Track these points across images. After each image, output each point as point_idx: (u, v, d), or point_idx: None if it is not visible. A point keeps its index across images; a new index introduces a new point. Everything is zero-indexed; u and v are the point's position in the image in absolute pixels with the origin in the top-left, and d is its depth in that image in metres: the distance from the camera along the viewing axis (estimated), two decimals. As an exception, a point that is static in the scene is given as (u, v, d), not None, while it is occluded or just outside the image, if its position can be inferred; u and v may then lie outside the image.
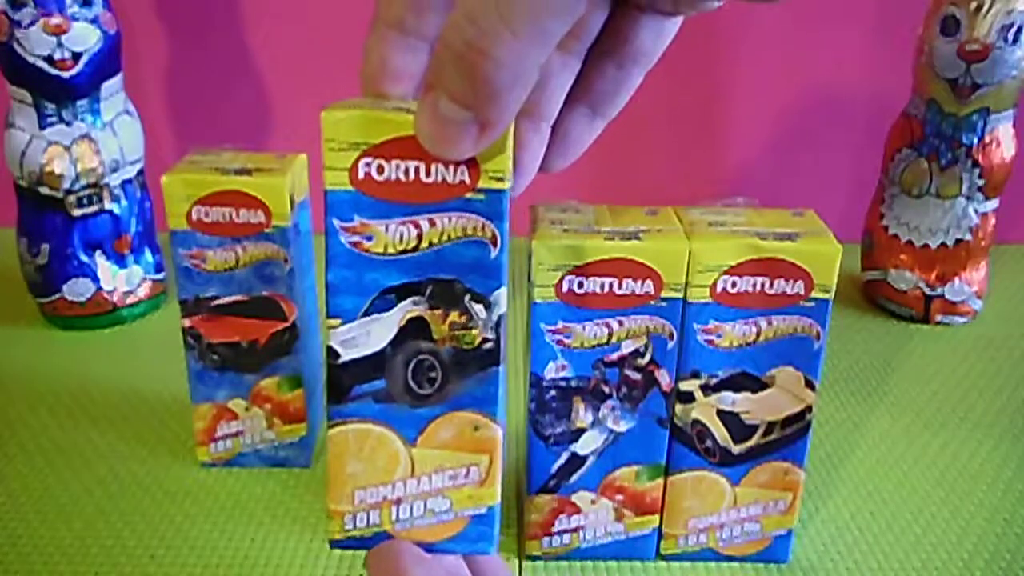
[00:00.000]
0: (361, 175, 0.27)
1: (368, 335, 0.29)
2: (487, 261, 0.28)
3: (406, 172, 0.27)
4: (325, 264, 0.28)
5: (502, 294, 0.28)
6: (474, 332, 0.28)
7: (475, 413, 0.29)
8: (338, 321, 0.28)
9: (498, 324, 0.28)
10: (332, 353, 0.29)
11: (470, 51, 0.22)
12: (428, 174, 0.27)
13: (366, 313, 0.28)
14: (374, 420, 0.29)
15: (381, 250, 0.28)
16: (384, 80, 0.26)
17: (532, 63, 0.23)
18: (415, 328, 0.28)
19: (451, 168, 0.26)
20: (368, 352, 0.29)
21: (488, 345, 0.29)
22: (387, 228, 0.27)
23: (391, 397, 0.29)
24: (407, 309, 0.28)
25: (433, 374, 0.29)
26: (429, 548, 0.30)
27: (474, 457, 0.30)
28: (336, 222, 0.28)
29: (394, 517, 0.30)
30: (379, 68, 0.26)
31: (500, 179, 0.27)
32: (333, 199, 0.27)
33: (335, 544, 0.31)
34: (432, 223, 0.27)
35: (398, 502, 0.30)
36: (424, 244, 0.27)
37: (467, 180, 0.27)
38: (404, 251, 0.28)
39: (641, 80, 0.29)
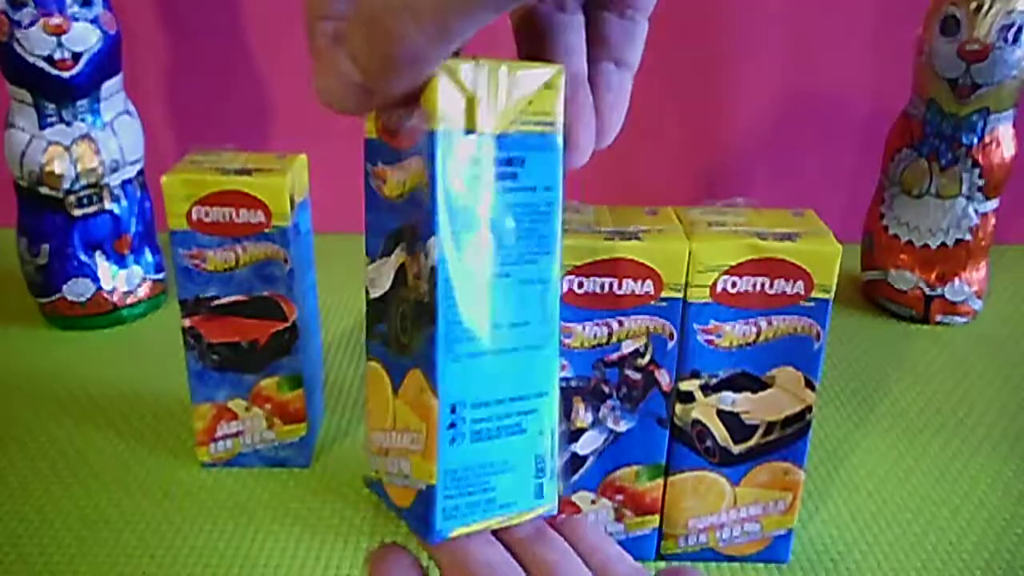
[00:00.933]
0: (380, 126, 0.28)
1: (380, 277, 0.29)
2: (425, 207, 0.26)
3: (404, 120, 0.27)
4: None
5: (437, 247, 0.26)
6: (421, 283, 0.27)
7: (420, 373, 0.27)
8: (368, 259, 0.29)
9: (432, 275, 0.26)
10: (366, 289, 0.29)
11: (376, 24, 0.22)
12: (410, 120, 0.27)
13: (381, 255, 0.29)
14: (380, 361, 0.29)
15: (388, 193, 0.28)
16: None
17: (430, 54, 0.23)
18: (400, 275, 0.28)
19: (415, 112, 0.26)
20: (379, 293, 0.29)
21: (426, 299, 0.26)
22: (391, 173, 0.28)
23: (387, 342, 0.29)
24: (398, 255, 0.28)
25: (405, 324, 0.28)
26: (395, 512, 0.29)
27: (418, 423, 0.27)
28: (368, 166, 0.29)
29: (386, 467, 0.29)
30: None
31: (432, 118, 0.26)
32: (369, 146, 0.29)
33: (366, 481, 0.31)
34: (408, 168, 0.27)
35: (386, 453, 0.29)
36: (406, 189, 0.27)
37: (423, 126, 0.26)
38: (400, 195, 0.28)
39: (647, 25, 0.28)
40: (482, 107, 0.26)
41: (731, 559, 0.52)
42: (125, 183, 0.76)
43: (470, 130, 0.26)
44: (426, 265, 0.26)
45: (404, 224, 0.28)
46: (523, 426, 0.28)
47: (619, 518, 0.50)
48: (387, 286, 0.28)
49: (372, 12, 0.22)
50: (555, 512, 0.29)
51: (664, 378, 0.47)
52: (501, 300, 0.27)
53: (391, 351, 0.29)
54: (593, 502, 0.50)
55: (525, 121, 0.27)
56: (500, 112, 0.26)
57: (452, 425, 0.27)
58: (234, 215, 0.53)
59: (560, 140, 0.28)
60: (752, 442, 0.48)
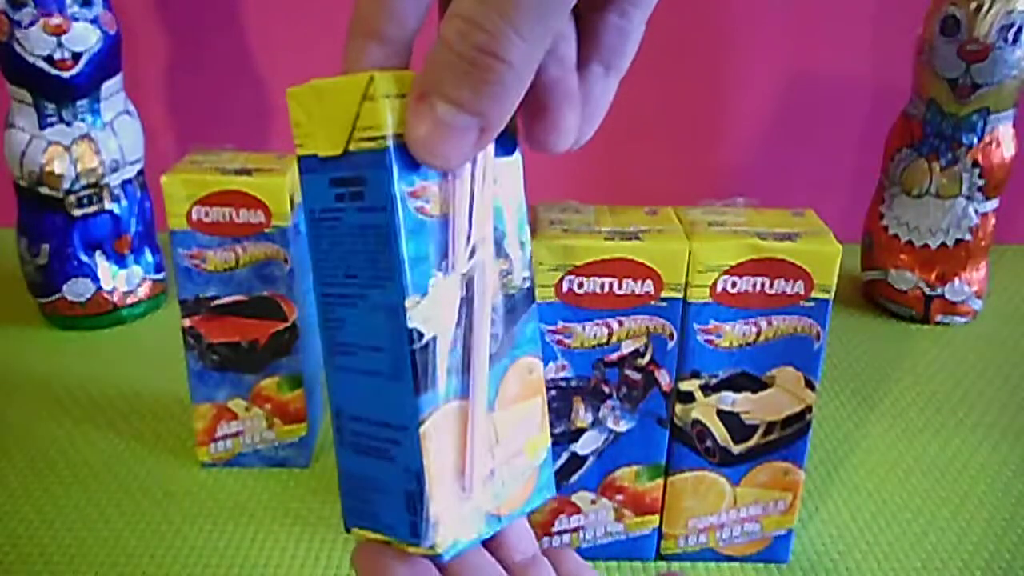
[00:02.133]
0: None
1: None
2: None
3: None
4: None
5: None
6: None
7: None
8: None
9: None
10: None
11: (481, 55, 0.22)
12: None
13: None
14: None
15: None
16: None
17: (536, 62, 0.23)
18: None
19: None
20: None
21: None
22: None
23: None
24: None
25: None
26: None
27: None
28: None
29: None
30: None
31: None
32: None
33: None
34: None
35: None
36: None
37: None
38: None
39: (643, 29, 0.28)
40: (312, 128, 0.26)
41: (731, 559, 0.52)
42: (125, 183, 0.76)
43: (313, 155, 0.26)
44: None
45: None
46: (391, 454, 0.27)
47: (619, 518, 0.50)
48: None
49: (471, 47, 0.22)
50: (441, 559, 0.27)
51: (664, 378, 0.47)
52: (358, 322, 0.27)
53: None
54: (593, 502, 0.50)
55: (360, 138, 0.25)
56: (335, 131, 0.26)
57: (338, 430, 0.28)
58: (234, 215, 0.53)
59: (390, 158, 0.25)
60: (752, 442, 0.48)
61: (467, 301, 0.27)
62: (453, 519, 0.27)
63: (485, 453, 0.27)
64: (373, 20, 0.25)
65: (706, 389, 0.47)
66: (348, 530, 0.29)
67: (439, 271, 0.26)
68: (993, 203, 0.77)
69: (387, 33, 0.25)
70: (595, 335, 0.46)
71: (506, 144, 0.27)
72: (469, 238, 0.26)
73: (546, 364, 0.46)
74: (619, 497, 0.50)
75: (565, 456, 0.48)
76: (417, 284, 0.25)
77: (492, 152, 0.27)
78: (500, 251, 0.28)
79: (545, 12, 0.22)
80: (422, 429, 0.26)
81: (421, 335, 0.26)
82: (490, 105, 0.23)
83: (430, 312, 0.26)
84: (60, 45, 0.69)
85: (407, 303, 0.25)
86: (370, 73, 0.24)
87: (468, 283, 0.27)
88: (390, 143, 0.25)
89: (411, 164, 0.25)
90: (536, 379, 0.29)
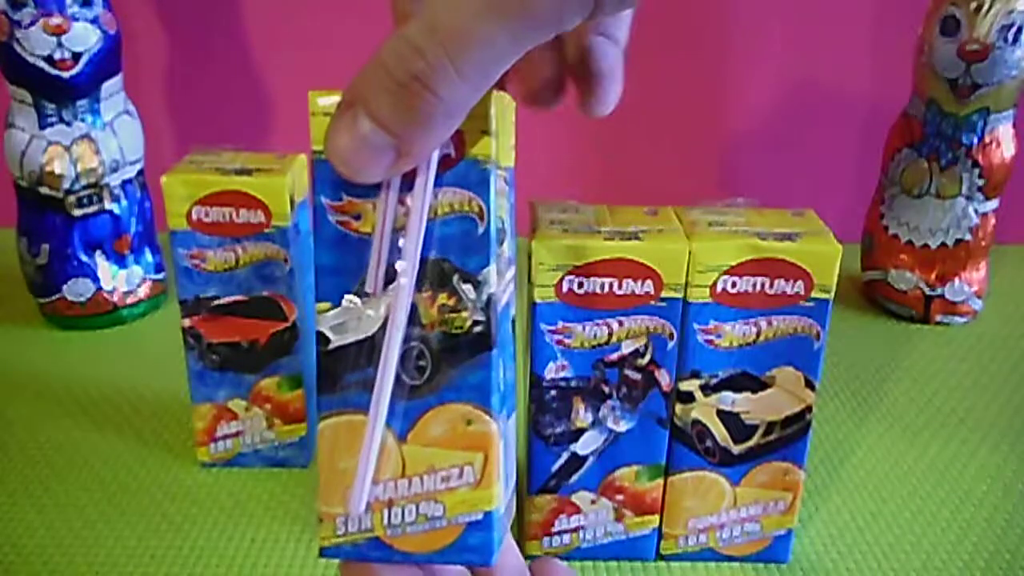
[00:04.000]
0: None
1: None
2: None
3: None
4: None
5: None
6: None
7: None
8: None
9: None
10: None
11: (413, 83, 0.22)
12: None
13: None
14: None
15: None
16: None
17: (470, 104, 0.23)
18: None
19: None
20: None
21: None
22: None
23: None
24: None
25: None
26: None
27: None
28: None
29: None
30: None
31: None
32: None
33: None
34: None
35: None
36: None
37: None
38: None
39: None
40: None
41: (731, 559, 0.52)
42: (125, 183, 0.76)
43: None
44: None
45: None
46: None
47: (619, 518, 0.50)
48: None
49: (407, 73, 0.22)
50: (321, 554, 0.28)
51: (664, 378, 0.47)
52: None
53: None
54: (593, 502, 0.50)
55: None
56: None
57: None
58: (234, 215, 0.53)
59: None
60: (752, 442, 0.48)
61: (385, 324, 0.27)
62: (339, 525, 0.27)
63: (382, 479, 0.27)
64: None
65: (706, 389, 0.47)
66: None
67: (360, 286, 0.27)
68: (993, 203, 0.77)
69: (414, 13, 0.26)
70: (595, 335, 0.46)
71: (469, 176, 0.27)
72: (384, 262, 0.26)
73: (546, 364, 0.46)
74: (619, 497, 0.50)
75: (565, 456, 0.48)
76: (328, 293, 0.27)
77: (430, 182, 0.26)
78: (446, 285, 0.27)
79: (489, 60, 0.22)
80: (319, 427, 0.27)
81: (328, 340, 0.27)
82: (412, 133, 0.23)
83: (340, 322, 0.27)
84: (60, 45, 0.69)
85: (317, 307, 0.27)
86: (504, 94, 0.27)
87: (388, 306, 0.27)
88: (318, 157, 0.26)
89: (340, 180, 0.26)
90: (476, 433, 0.27)
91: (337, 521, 0.28)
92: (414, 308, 0.27)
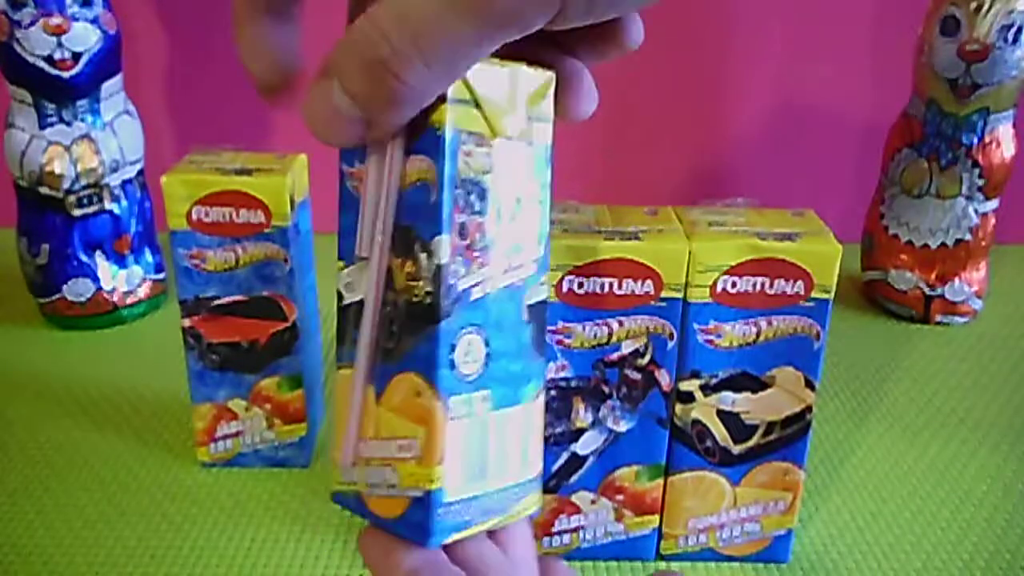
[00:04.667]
0: None
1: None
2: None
3: None
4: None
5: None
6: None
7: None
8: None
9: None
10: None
11: (380, 67, 0.22)
12: None
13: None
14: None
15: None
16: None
17: (438, 90, 0.24)
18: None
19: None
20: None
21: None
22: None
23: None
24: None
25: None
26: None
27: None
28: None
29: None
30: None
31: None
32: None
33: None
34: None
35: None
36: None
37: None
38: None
39: None
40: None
41: (731, 559, 0.52)
42: (125, 183, 0.76)
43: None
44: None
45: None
46: None
47: (619, 518, 0.50)
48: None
49: (374, 56, 0.22)
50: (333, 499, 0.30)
51: (664, 378, 0.47)
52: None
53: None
54: (593, 502, 0.50)
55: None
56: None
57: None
58: (234, 215, 0.53)
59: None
60: (752, 442, 0.48)
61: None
62: (342, 473, 0.29)
63: (364, 437, 0.28)
64: None
65: (706, 389, 0.47)
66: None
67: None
68: (993, 203, 0.77)
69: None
70: (595, 335, 0.46)
71: (427, 143, 0.26)
72: (368, 227, 0.28)
73: (546, 364, 0.46)
74: (619, 497, 0.50)
75: (565, 456, 0.48)
76: (344, 252, 0.29)
77: (398, 149, 0.26)
78: (410, 253, 0.27)
79: (456, 52, 0.22)
80: (335, 375, 0.29)
81: (341, 296, 0.29)
82: (380, 110, 0.24)
83: (351, 280, 0.29)
84: (60, 45, 0.69)
85: (338, 265, 0.29)
86: (550, 73, 0.28)
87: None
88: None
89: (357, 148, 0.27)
90: (423, 407, 0.27)
91: (341, 469, 0.29)
92: (390, 272, 0.27)
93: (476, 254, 0.27)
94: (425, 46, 0.22)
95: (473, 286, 0.27)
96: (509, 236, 0.28)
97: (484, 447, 0.29)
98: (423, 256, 0.26)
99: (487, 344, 0.28)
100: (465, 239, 0.27)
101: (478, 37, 0.22)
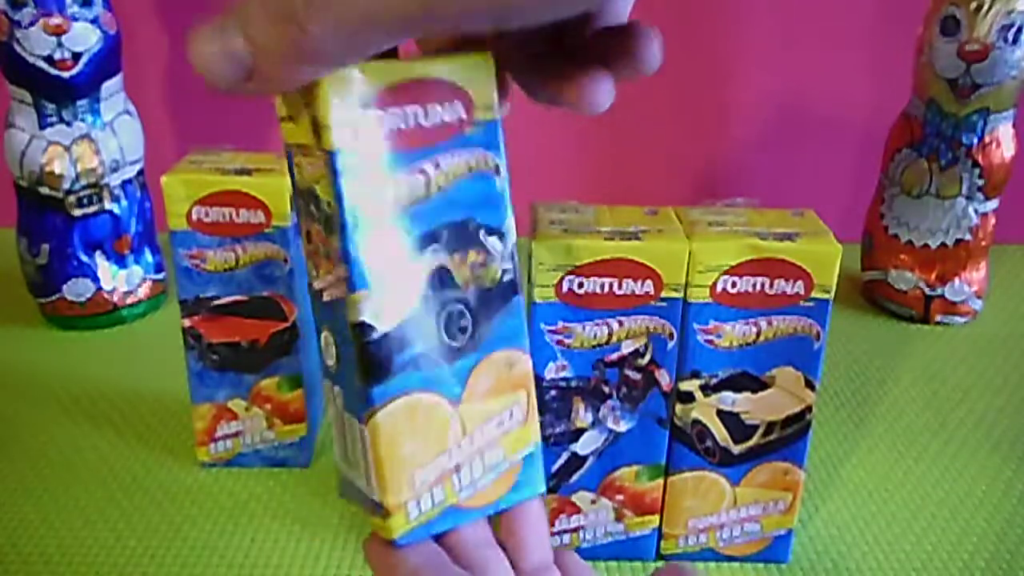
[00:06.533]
0: None
1: (396, 300, 0.26)
2: (494, 192, 0.28)
3: (404, 118, 0.26)
4: (340, 234, 0.25)
5: (512, 223, 0.28)
6: (493, 268, 0.28)
7: (507, 351, 0.29)
8: (365, 292, 0.26)
9: (512, 254, 0.28)
10: (364, 330, 0.26)
11: (289, 17, 0.21)
12: (426, 117, 0.26)
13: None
14: (420, 389, 0.27)
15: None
16: None
17: (338, 61, 0.23)
18: (439, 279, 0.27)
19: (446, 106, 0.26)
20: (401, 318, 0.26)
21: (508, 277, 0.28)
22: (396, 179, 0.26)
23: (430, 360, 0.27)
24: (428, 261, 0.27)
25: (464, 322, 0.28)
26: (494, 511, 0.29)
27: (514, 396, 0.29)
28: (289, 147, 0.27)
29: (456, 486, 0.28)
30: None
31: (490, 108, 0.27)
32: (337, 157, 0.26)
33: (401, 542, 0.27)
34: (437, 165, 0.26)
35: (457, 469, 0.28)
36: (433, 189, 0.26)
37: (464, 116, 0.26)
38: (416, 200, 0.26)
39: None
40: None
41: (731, 559, 0.52)
42: (125, 183, 0.76)
43: (495, 120, 0.27)
44: (503, 247, 0.28)
45: (435, 227, 0.27)
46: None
47: (619, 518, 0.50)
48: (413, 304, 0.27)
49: (286, 4, 0.21)
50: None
51: (664, 378, 0.47)
52: None
53: (437, 367, 0.27)
54: (593, 502, 0.50)
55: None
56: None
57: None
58: (234, 215, 0.53)
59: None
60: (752, 442, 0.48)
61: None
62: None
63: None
64: None
65: (706, 389, 0.47)
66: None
67: None
68: (993, 203, 0.77)
69: None
70: (595, 335, 0.46)
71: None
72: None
73: (546, 364, 0.46)
74: (619, 497, 0.50)
75: (565, 456, 0.48)
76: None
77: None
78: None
79: (372, 26, 0.21)
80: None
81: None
82: (274, 63, 0.23)
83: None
84: (60, 45, 0.69)
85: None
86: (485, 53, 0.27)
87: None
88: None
89: None
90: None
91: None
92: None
93: None
94: (341, 9, 0.21)
95: None
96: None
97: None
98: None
99: None
100: None
101: (401, 19, 0.21)
